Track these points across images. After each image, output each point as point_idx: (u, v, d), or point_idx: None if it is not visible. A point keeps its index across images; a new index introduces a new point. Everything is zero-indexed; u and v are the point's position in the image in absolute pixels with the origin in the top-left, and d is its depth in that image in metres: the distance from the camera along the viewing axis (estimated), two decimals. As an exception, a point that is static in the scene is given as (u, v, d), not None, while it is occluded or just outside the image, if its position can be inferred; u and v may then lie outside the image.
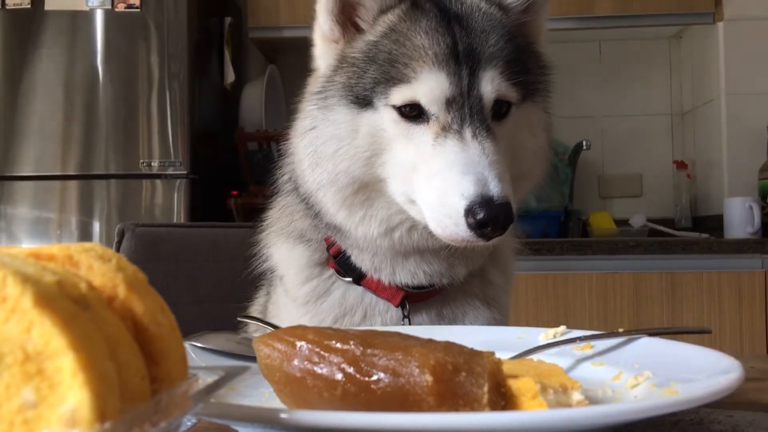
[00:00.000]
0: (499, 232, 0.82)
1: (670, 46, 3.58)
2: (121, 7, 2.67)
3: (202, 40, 2.89)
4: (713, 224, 3.19)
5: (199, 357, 0.69)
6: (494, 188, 0.82)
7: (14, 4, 2.69)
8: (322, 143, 0.93)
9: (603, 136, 3.53)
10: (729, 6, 3.14)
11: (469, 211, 0.81)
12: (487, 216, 0.80)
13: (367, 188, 0.93)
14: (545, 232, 3.13)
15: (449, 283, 0.99)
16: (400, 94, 0.89)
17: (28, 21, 2.69)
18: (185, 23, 2.70)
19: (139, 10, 2.68)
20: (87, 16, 2.69)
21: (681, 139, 3.56)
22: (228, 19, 3.11)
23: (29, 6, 2.69)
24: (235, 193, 2.99)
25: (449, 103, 0.88)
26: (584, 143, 3.26)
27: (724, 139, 3.16)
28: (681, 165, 3.39)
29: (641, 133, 3.54)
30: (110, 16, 2.69)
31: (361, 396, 0.48)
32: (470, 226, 0.82)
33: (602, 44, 3.58)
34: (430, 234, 0.91)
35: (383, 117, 0.90)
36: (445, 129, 0.87)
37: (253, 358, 0.55)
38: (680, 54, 3.56)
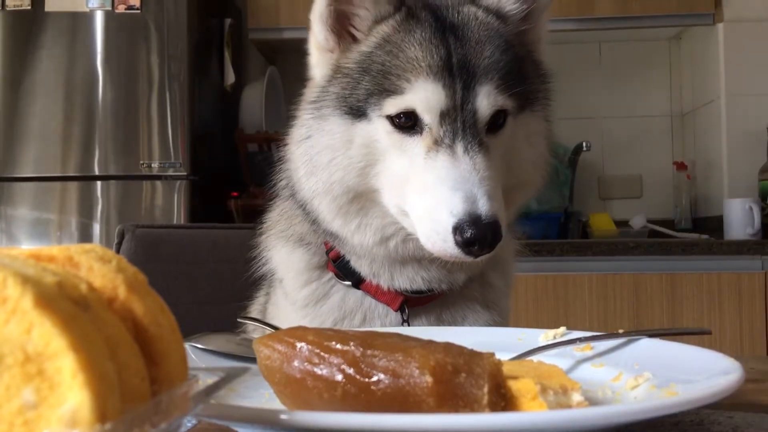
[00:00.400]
0: (486, 250, 0.82)
1: (670, 48, 3.58)
2: (121, 9, 2.68)
3: (202, 41, 2.89)
4: (713, 225, 3.19)
5: (199, 358, 0.69)
6: (483, 206, 0.82)
7: (14, 6, 2.70)
8: (317, 153, 0.93)
9: (603, 138, 3.53)
10: (729, 7, 3.14)
11: (457, 229, 0.81)
12: (474, 235, 0.81)
13: (361, 198, 0.92)
14: (545, 234, 3.13)
15: (448, 288, 0.99)
16: (393, 105, 0.88)
17: (29, 22, 2.69)
18: (185, 24, 2.70)
19: (139, 11, 2.68)
20: (87, 18, 2.69)
21: (681, 140, 3.56)
22: (228, 20, 3.11)
23: (29, 7, 2.69)
24: (235, 194, 2.99)
25: (443, 115, 0.87)
26: (584, 144, 3.26)
27: (724, 140, 3.17)
28: (681, 166, 3.40)
29: (641, 134, 3.54)
30: (110, 17, 2.69)
31: (361, 397, 0.48)
32: (457, 244, 0.82)
33: (602, 45, 3.58)
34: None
35: (377, 128, 0.90)
36: (437, 142, 0.87)
37: (253, 359, 0.55)
38: (680, 55, 3.56)
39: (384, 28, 0.94)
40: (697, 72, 3.42)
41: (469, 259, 0.84)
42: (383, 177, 0.90)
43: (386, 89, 0.89)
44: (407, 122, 0.88)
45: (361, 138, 0.90)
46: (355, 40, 0.96)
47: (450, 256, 0.84)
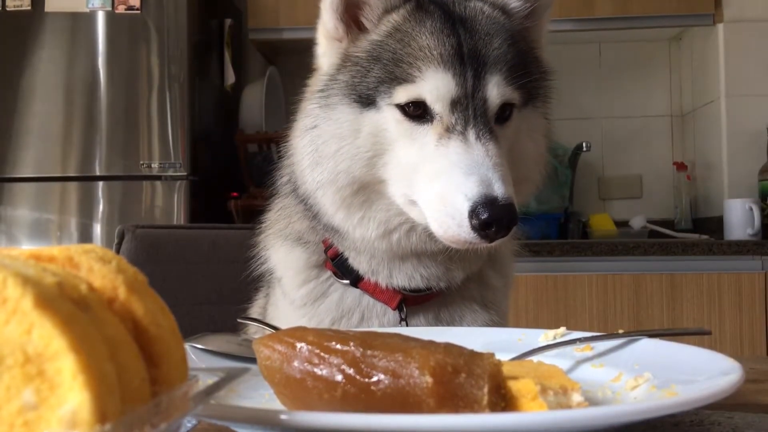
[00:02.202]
0: (502, 233, 0.82)
1: (670, 48, 3.58)
2: (121, 9, 2.68)
3: (202, 41, 2.89)
4: (713, 226, 3.19)
5: (199, 358, 0.69)
6: (498, 189, 0.81)
7: (14, 6, 2.70)
8: (323, 142, 0.92)
9: (603, 138, 3.53)
10: (729, 7, 3.14)
11: (473, 212, 0.81)
12: (491, 217, 0.80)
13: (366, 189, 0.92)
14: (545, 234, 3.13)
15: (446, 287, 0.99)
16: (404, 93, 0.88)
17: (28, 22, 2.69)
18: (185, 25, 2.70)
19: (139, 11, 2.68)
20: (87, 18, 2.69)
21: (681, 140, 3.56)
22: (228, 21, 3.11)
23: (29, 8, 2.69)
24: (235, 194, 2.99)
25: (454, 104, 0.88)
26: (584, 145, 3.26)
27: (724, 140, 3.17)
28: (681, 166, 3.40)
29: (641, 134, 3.54)
30: (110, 17, 2.69)
31: (361, 397, 0.48)
32: (474, 228, 0.81)
33: (602, 46, 3.58)
34: (429, 236, 0.91)
35: (386, 116, 0.90)
36: (448, 130, 0.87)
37: (253, 360, 0.55)
38: (680, 55, 3.56)
39: (394, 18, 0.94)
40: (697, 72, 3.42)
41: (483, 243, 0.83)
42: (391, 166, 0.90)
43: (397, 77, 0.89)
44: (417, 110, 0.88)
45: (370, 127, 0.90)
46: (363, 29, 0.96)
47: (464, 242, 0.84)
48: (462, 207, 0.82)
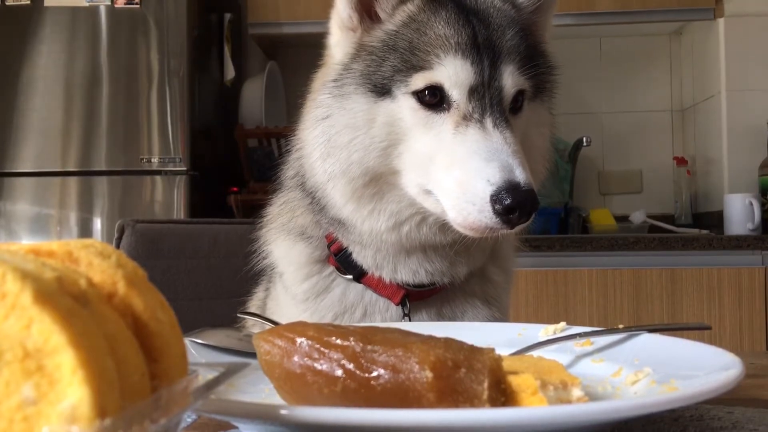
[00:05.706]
0: (524, 218, 0.82)
1: (670, 43, 3.57)
2: (120, 3, 2.67)
3: (201, 36, 2.89)
4: (713, 220, 3.19)
5: (199, 353, 0.69)
6: (520, 175, 0.82)
7: (14, 1, 2.69)
8: (337, 132, 0.92)
9: (603, 133, 3.53)
10: (729, 2, 3.14)
11: (496, 197, 0.81)
12: (515, 201, 0.80)
13: (378, 180, 0.92)
14: (545, 229, 3.13)
15: (450, 282, 0.99)
16: (422, 79, 0.88)
17: (28, 17, 2.69)
18: (185, 19, 2.69)
19: (138, 6, 2.67)
20: (87, 13, 2.68)
21: (681, 135, 3.56)
22: (228, 16, 3.11)
23: (29, 2, 2.68)
24: (235, 189, 2.99)
25: (471, 91, 0.88)
26: (584, 139, 3.26)
27: (724, 135, 3.16)
28: (681, 161, 3.39)
29: (641, 129, 3.54)
30: (110, 12, 2.68)
31: (361, 392, 0.48)
32: (497, 213, 0.81)
33: (603, 40, 3.57)
34: (441, 228, 0.91)
35: (401, 106, 0.90)
36: (466, 118, 0.87)
37: (253, 355, 0.55)
38: (681, 50, 3.56)
39: (409, 8, 0.95)
40: (697, 67, 3.42)
41: (505, 229, 0.83)
42: (406, 156, 0.90)
43: (414, 65, 0.90)
44: (433, 98, 0.88)
45: (384, 116, 0.90)
46: (377, 19, 0.96)
47: (484, 228, 0.83)
48: (484, 192, 0.82)
